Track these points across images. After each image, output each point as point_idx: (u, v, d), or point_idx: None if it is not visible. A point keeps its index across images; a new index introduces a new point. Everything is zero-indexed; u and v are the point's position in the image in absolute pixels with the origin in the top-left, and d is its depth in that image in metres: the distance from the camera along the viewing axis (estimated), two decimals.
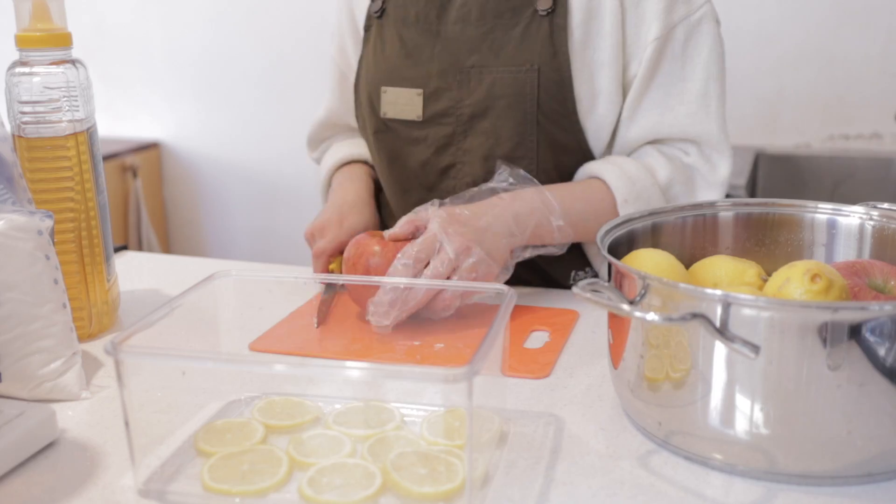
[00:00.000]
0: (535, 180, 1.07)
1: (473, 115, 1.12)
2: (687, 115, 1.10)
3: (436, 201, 1.01)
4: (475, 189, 1.07)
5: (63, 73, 0.93)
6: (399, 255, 0.94)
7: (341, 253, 1.10)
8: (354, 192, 1.21)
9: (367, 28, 1.21)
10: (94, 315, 0.97)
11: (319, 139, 1.39)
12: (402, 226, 0.99)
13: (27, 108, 0.92)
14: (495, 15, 1.10)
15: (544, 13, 1.07)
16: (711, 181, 1.12)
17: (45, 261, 0.82)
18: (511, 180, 1.06)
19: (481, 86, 1.10)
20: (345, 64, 1.29)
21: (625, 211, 1.07)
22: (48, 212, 0.85)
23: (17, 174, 0.88)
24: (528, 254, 1.04)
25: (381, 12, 1.18)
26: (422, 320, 0.96)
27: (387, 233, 1.00)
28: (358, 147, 1.31)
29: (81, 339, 0.93)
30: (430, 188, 1.18)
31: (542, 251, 1.05)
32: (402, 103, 1.16)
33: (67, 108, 0.93)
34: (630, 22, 1.08)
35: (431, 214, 0.98)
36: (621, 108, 1.12)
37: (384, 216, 1.28)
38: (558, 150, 1.12)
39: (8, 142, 0.89)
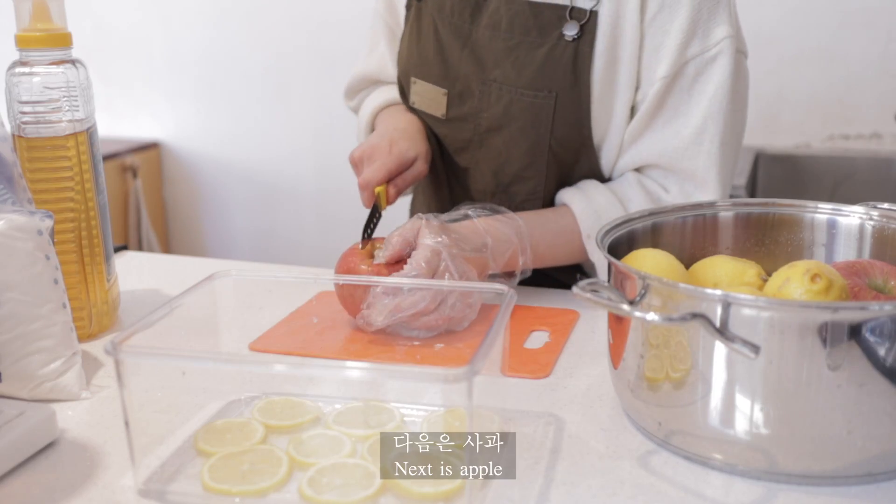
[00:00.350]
0: (508, 212, 1.05)
1: (489, 128, 1.11)
2: (676, 150, 1.06)
3: (421, 215, 0.98)
4: (451, 213, 1.04)
5: (63, 73, 0.93)
6: (406, 268, 0.92)
7: (388, 181, 1.07)
8: (406, 121, 1.18)
9: (407, 7, 1.19)
10: (94, 315, 0.97)
11: (358, 89, 1.35)
12: (394, 245, 0.95)
13: (27, 108, 0.92)
14: (522, 31, 1.08)
15: (571, 39, 1.05)
16: None
17: (45, 261, 0.82)
18: (485, 211, 1.04)
19: (500, 102, 1.09)
20: (394, 22, 1.26)
21: (590, 245, 1.07)
22: (48, 212, 0.85)
23: (17, 174, 0.88)
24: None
25: None
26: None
27: (381, 255, 0.97)
28: (384, 93, 1.28)
29: (81, 339, 0.93)
30: (452, 181, 1.18)
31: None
32: (429, 98, 1.15)
33: (67, 108, 0.93)
34: (648, 48, 1.05)
35: (425, 228, 0.95)
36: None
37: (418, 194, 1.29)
38: (569, 172, 1.11)
39: (8, 142, 0.89)
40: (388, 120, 1.19)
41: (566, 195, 1.10)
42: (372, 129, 1.27)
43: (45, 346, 0.81)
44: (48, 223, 0.83)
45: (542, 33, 1.07)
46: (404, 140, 1.11)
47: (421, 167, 1.12)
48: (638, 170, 1.11)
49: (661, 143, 1.07)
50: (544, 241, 1.06)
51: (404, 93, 1.19)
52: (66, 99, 0.93)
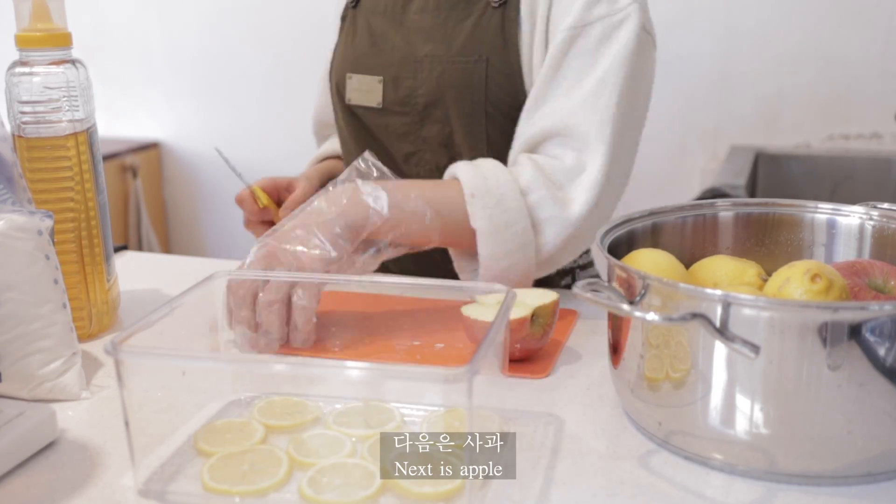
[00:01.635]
0: (391, 176, 1.02)
1: (427, 104, 1.12)
2: (570, 108, 1.02)
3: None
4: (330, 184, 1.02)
5: (63, 73, 0.93)
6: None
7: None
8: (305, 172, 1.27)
9: (343, 18, 1.23)
10: (94, 315, 0.97)
11: (320, 136, 1.42)
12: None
13: (27, 108, 0.92)
14: (449, 6, 1.11)
15: (496, 5, 1.08)
16: (578, 182, 1.02)
17: (45, 261, 0.82)
18: (361, 174, 1.02)
19: (433, 76, 1.11)
20: None
21: (472, 207, 0.99)
22: (48, 212, 0.85)
23: (17, 174, 0.88)
24: (387, 253, 1.00)
25: (356, 2, 1.20)
26: (422, 320, 0.97)
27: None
28: (334, 143, 1.34)
29: (81, 339, 0.93)
30: (396, 174, 1.17)
31: (404, 249, 1.01)
32: (365, 90, 1.17)
33: (67, 108, 0.93)
34: (556, 7, 1.05)
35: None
36: None
37: None
38: (511, 139, 1.10)
39: (8, 142, 0.89)
40: None
41: (453, 167, 1.05)
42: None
43: (45, 346, 0.81)
44: (48, 223, 0.83)
45: (469, 4, 1.10)
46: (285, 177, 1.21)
47: (307, 186, 1.19)
48: (533, 151, 1.06)
49: (560, 108, 1.03)
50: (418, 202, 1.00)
51: (341, 94, 1.20)
52: (66, 99, 0.93)
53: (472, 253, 1.03)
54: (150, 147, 2.97)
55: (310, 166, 1.34)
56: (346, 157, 1.25)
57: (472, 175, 1.01)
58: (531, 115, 1.06)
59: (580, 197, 1.01)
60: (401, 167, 1.17)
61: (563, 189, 1.02)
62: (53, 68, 0.93)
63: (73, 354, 0.83)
